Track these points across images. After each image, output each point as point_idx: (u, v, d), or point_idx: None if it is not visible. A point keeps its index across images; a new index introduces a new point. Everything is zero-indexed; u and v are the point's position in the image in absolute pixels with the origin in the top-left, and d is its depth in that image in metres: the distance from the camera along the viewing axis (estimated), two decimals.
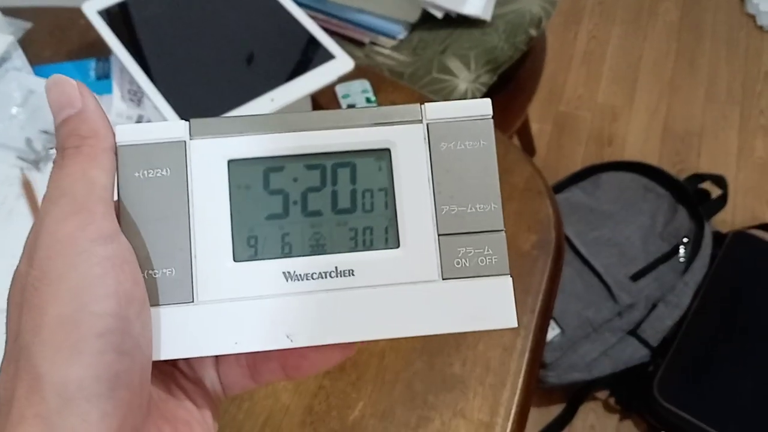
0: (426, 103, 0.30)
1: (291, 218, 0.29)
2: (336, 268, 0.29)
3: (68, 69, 0.79)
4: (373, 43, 1.04)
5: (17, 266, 0.26)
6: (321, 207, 0.29)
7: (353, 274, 0.29)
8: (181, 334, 0.28)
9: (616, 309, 1.27)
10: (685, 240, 1.37)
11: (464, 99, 0.99)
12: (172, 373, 0.31)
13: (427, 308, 0.29)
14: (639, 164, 1.46)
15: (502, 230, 0.29)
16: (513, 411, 0.58)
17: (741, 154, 1.67)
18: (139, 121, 0.74)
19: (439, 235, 0.29)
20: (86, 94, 0.27)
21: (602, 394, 1.33)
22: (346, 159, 0.29)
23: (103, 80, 0.78)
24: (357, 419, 0.58)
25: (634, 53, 1.88)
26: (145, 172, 0.28)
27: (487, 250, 0.29)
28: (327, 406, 0.58)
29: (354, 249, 0.29)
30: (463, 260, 0.29)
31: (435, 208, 0.29)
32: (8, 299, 0.26)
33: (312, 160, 0.29)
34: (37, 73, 0.78)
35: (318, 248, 0.29)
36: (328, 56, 0.72)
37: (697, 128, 1.72)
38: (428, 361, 0.60)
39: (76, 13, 0.77)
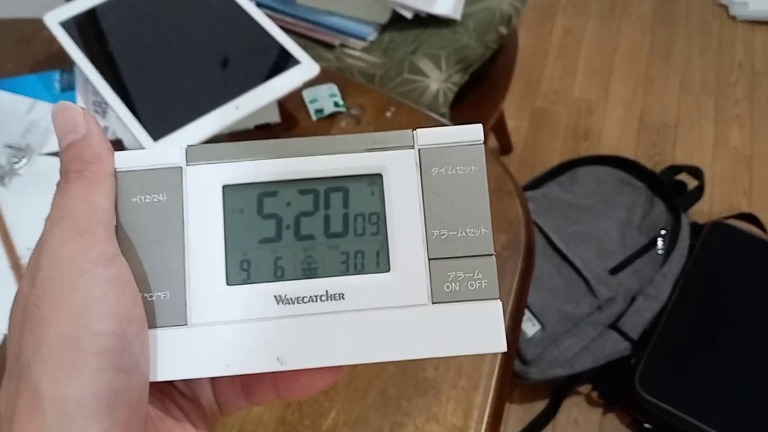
0: (418, 129, 0.30)
1: (284, 242, 0.30)
2: (327, 291, 0.29)
3: (33, 81, 0.78)
4: (344, 46, 1.04)
5: (19, 286, 0.27)
6: (313, 231, 0.30)
7: (343, 298, 0.29)
8: (175, 356, 0.28)
9: (595, 303, 1.28)
10: (662, 232, 1.37)
11: (436, 99, 1.00)
12: (169, 393, 0.31)
13: (416, 332, 0.29)
14: (615, 158, 1.47)
15: (492, 255, 0.29)
16: (486, 414, 0.58)
17: (717, 145, 1.68)
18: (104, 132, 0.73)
19: (429, 259, 0.29)
20: (91, 121, 0.28)
21: (585, 389, 1.33)
22: (338, 184, 0.30)
23: (68, 92, 0.77)
24: (330, 428, 0.57)
25: (609, 47, 1.89)
26: (143, 197, 0.29)
27: (477, 275, 0.29)
28: (300, 416, 0.58)
29: (345, 273, 0.29)
30: (453, 284, 0.29)
31: (426, 232, 0.29)
32: (10, 318, 0.27)
33: (305, 185, 0.30)
34: (1, 87, 0.77)
35: (309, 272, 0.29)
36: (294, 62, 0.71)
37: (672, 120, 1.73)
38: (401, 367, 0.60)
39: (40, 25, 0.76)
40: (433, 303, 0.29)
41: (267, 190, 0.30)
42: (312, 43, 1.03)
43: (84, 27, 0.74)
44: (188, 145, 0.30)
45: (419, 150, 0.30)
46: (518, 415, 1.31)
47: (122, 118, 0.68)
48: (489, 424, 0.57)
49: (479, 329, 0.29)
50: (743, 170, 1.64)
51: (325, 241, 0.30)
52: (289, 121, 0.74)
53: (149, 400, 0.28)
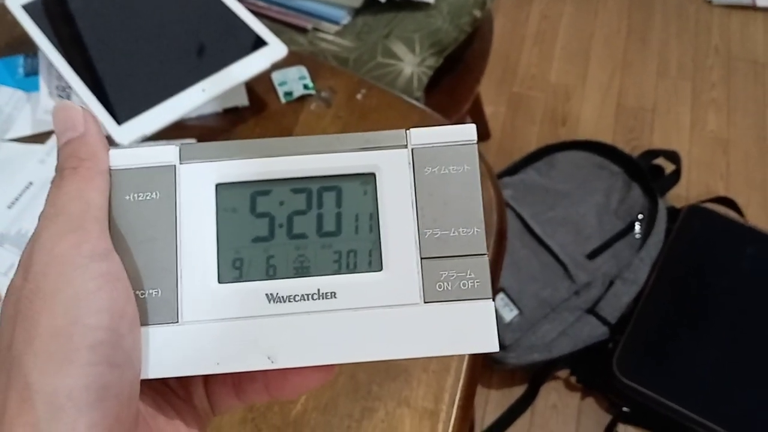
0: (411, 129, 0.30)
1: (276, 241, 0.30)
2: (318, 290, 0.29)
3: None
4: (317, 30, 1.03)
5: (12, 280, 0.27)
6: (306, 230, 0.30)
7: (335, 297, 0.29)
8: (166, 353, 0.28)
9: (573, 288, 1.28)
10: (640, 216, 1.37)
11: (410, 83, 0.99)
12: (162, 391, 0.31)
13: (408, 331, 0.29)
14: (592, 143, 1.46)
15: (484, 254, 0.29)
16: (458, 397, 0.57)
17: (693, 129, 1.68)
18: None
19: (421, 258, 0.29)
20: (90, 120, 0.29)
21: (563, 373, 1.33)
22: (331, 183, 0.30)
23: (32, 77, 0.75)
24: (299, 414, 0.56)
25: (586, 31, 1.88)
26: (136, 195, 0.29)
27: (470, 274, 0.29)
28: (269, 402, 0.57)
29: (337, 272, 0.29)
30: (446, 284, 0.29)
31: (418, 231, 0.30)
32: (2, 312, 0.27)
33: (298, 184, 0.30)
34: None
35: (302, 270, 0.29)
36: (261, 43, 0.70)
37: (649, 104, 1.73)
38: None
39: (3, 9, 0.74)
40: (425, 302, 0.29)
41: (260, 189, 0.30)
42: (284, 27, 1.02)
43: (47, 10, 0.73)
44: (182, 144, 0.30)
45: (412, 149, 0.30)
46: (497, 401, 1.31)
47: (86, 102, 0.66)
48: (460, 407, 0.57)
49: (471, 329, 0.29)
50: (720, 154, 1.64)
51: (317, 240, 0.30)
52: (258, 104, 0.73)
53: (141, 397, 0.28)
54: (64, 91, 0.72)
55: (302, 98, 0.74)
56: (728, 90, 1.76)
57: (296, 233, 0.30)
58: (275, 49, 0.69)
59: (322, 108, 0.73)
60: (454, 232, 0.29)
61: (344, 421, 0.56)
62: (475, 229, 0.29)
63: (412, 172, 0.30)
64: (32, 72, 0.75)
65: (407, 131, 0.30)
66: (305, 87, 0.74)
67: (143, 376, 0.28)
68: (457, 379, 0.58)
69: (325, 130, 0.71)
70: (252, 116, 0.73)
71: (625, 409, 1.26)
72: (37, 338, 0.25)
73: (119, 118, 0.65)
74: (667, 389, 1.20)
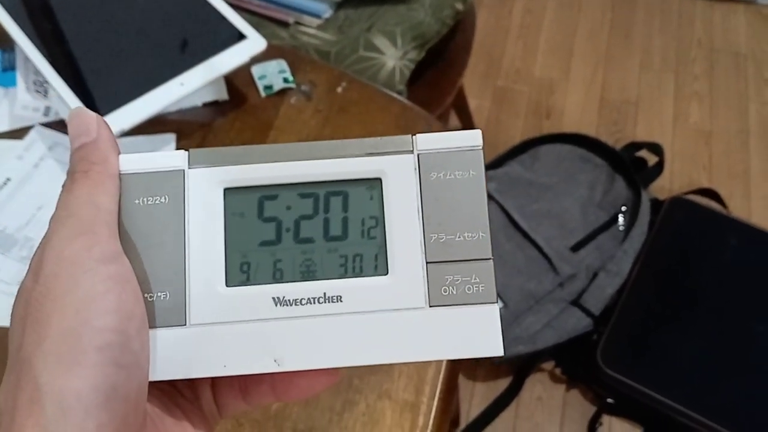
0: (417, 135, 0.31)
1: (283, 245, 0.30)
2: (324, 293, 0.29)
3: None
4: (298, 23, 1.02)
5: (22, 282, 0.27)
6: (313, 234, 0.30)
7: (341, 300, 0.29)
8: (174, 356, 0.29)
9: (557, 280, 1.28)
10: (623, 208, 1.38)
11: (392, 76, 0.99)
12: (170, 393, 0.32)
13: (413, 335, 0.29)
14: (576, 135, 1.47)
15: (490, 259, 0.30)
16: (438, 389, 0.57)
17: (676, 121, 1.69)
18: (46, 113, 0.71)
19: (427, 262, 0.30)
20: (103, 126, 0.29)
21: (548, 365, 1.33)
22: (338, 188, 0.30)
23: (9, 72, 0.75)
24: (280, 408, 0.56)
25: (570, 25, 1.88)
26: (145, 199, 0.30)
27: (475, 279, 0.29)
28: None
29: (344, 275, 0.30)
30: (451, 288, 0.29)
31: (424, 236, 0.30)
32: (12, 313, 0.27)
33: (305, 189, 0.30)
34: None
35: (308, 274, 0.30)
36: (240, 36, 0.69)
37: (633, 97, 1.73)
38: None
39: None
40: (430, 306, 0.29)
41: (267, 193, 0.30)
42: (266, 21, 1.01)
43: (24, 4, 0.72)
44: (191, 149, 0.30)
45: (418, 155, 0.30)
46: (483, 393, 1.31)
47: (63, 97, 0.66)
48: (441, 399, 0.57)
49: (476, 333, 0.29)
50: (703, 146, 1.65)
51: (324, 245, 0.30)
52: (238, 98, 0.73)
53: (149, 398, 0.28)
54: (41, 86, 0.72)
55: (282, 92, 0.73)
56: (711, 82, 1.76)
57: (303, 237, 0.30)
58: (254, 42, 0.69)
59: (302, 102, 0.73)
60: (459, 237, 0.30)
61: (325, 414, 0.56)
62: (481, 234, 0.30)
63: (418, 177, 0.30)
64: (9, 67, 0.75)
65: (413, 137, 0.31)
66: (285, 80, 0.73)
67: (151, 378, 0.28)
68: (438, 372, 0.58)
69: (306, 124, 0.71)
70: (232, 110, 0.72)
71: (609, 400, 1.27)
72: (46, 339, 0.25)
73: (97, 113, 0.65)
74: (651, 380, 1.21)
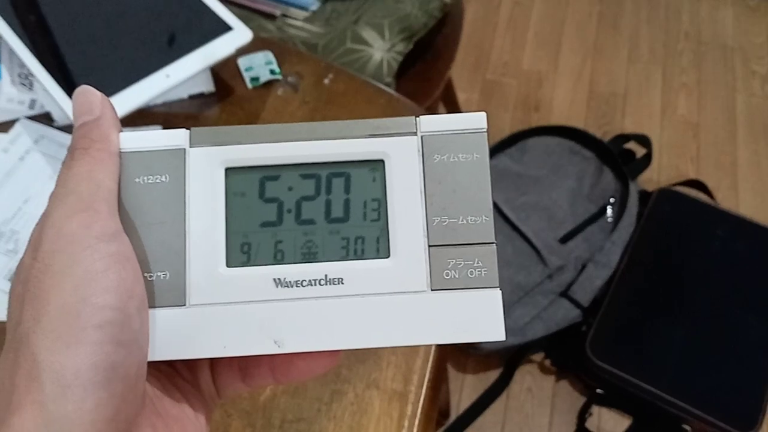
0: (421, 116, 0.30)
1: (284, 226, 0.30)
2: (326, 276, 0.29)
3: None
4: (285, 16, 1.02)
5: (21, 259, 0.27)
6: (314, 216, 0.30)
7: (342, 283, 0.29)
8: (173, 336, 0.29)
9: (546, 272, 1.28)
10: (611, 200, 1.38)
11: (380, 68, 0.98)
12: (169, 373, 0.32)
13: (414, 318, 0.29)
14: (564, 128, 1.47)
15: (492, 243, 0.29)
16: (426, 378, 0.57)
17: (664, 113, 1.70)
18: (31, 106, 0.70)
19: (429, 246, 0.29)
20: (106, 105, 0.29)
21: (537, 357, 1.34)
22: (340, 169, 0.30)
23: None
24: (269, 398, 0.56)
25: (558, 17, 1.89)
26: (146, 177, 0.29)
27: (477, 263, 0.29)
28: None
29: (345, 258, 0.29)
30: (453, 272, 0.29)
31: (426, 219, 0.29)
32: (11, 290, 0.27)
33: (307, 170, 0.30)
34: None
35: (309, 256, 0.29)
36: (225, 28, 0.69)
37: (621, 89, 1.74)
38: None
39: None
40: (432, 290, 0.29)
41: (269, 173, 0.30)
42: (253, 14, 1.01)
43: None
44: (192, 128, 0.30)
45: (422, 137, 0.30)
46: (473, 385, 1.32)
47: (48, 90, 0.65)
48: (429, 389, 0.57)
49: (477, 317, 0.29)
50: (690, 138, 1.66)
51: (325, 226, 0.30)
52: (224, 90, 0.73)
53: (148, 379, 0.28)
54: (26, 78, 0.71)
55: (269, 83, 0.73)
56: (698, 74, 1.77)
57: (304, 219, 0.30)
58: (240, 34, 0.69)
59: (289, 93, 0.73)
60: (462, 220, 0.29)
61: (314, 404, 0.56)
62: (484, 218, 0.29)
63: (422, 160, 0.30)
64: None
65: (417, 118, 0.30)
66: (272, 72, 0.73)
67: (150, 358, 0.28)
68: (426, 361, 0.58)
69: (293, 115, 0.71)
70: (218, 102, 0.72)
71: (599, 390, 1.28)
72: (45, 316, 0.25)
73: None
74: (640, 370, 1.21)
